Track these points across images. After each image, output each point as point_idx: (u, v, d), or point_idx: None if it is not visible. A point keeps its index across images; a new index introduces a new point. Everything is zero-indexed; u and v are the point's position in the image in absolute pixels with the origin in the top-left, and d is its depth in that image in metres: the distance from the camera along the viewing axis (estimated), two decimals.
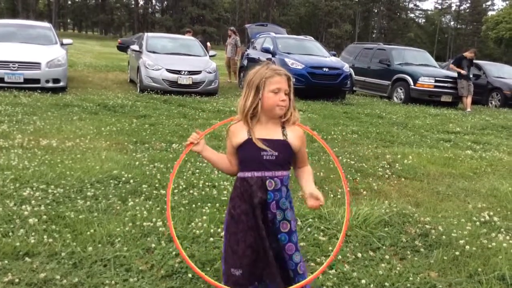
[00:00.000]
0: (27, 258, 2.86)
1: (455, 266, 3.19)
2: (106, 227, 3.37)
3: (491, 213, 4.28)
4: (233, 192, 2.24)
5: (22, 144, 5.57)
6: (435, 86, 13.82)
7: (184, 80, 11.58)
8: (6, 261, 2.81)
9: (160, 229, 3.39)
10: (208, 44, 16.95)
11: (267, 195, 2.15)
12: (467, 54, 13.95)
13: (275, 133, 2.16)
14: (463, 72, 13.55)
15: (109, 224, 3.43)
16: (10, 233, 3.19)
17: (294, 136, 2.18)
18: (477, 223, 4.02)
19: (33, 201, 3.77)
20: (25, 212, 3.52)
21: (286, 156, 2.18)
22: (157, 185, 4.41)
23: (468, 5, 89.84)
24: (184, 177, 4.70)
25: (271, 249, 2.17)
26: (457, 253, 3.34)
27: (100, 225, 3.41)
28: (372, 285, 2.81)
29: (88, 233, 3.26)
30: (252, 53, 15.07)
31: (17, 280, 2.62)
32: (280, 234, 2.20)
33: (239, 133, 2.17)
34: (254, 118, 2.16)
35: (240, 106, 2.16)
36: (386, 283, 2.84)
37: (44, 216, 3.48)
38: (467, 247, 3.43)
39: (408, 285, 2.86)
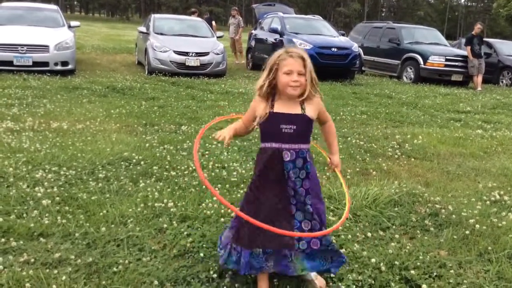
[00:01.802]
0: (41, 239, 2.91)
1: (465, 245, 3.20)
2: (118, 208, 3.41)
3: (502, 192, 4.27)
4: (256, 159, 2.46)
5: (33, 127, 5.62)
6: (446, 65, 13.66)
7: (192, 61, 11.55)
8: (21, 242, 2.86)
9: (172, 209, 3.43)
10: (214, 23, 16.71)
11: (283, 166, 2.31)
12: (475, 31, 13.75)
13: (293, 109, 2.32)
14: (471, 57, 13.34)
15: (121, 205, 3.48)
16: (24, 215, 3.25)
17: (311, 109, 2.35)
18: (487, 202, 4.02)
19: (45, 183, 3.82)
20: (38, 194, 3.57)
21: (304, 129, 2.35)
22: (167, 166, 4.44)
23: None
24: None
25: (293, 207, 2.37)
26: (467, 232, 3.35)
27: (112, 206, 3.45)
28: (382, 264, 2.83)
29: (101, 214, 3.31)
30: (259, 33, 14.95)
31: (32, 260, 2.68)
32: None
33: (259, 106, 2.36)
34: (276, 95, 2.35)
35: (260, 87, 2.34)
36: (396, 262, 2.86)
37: (57, 198, 3.53)
38: (477, 226, 3.43)
39: (418, 263, 2.87)
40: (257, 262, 2.39)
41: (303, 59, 2.27)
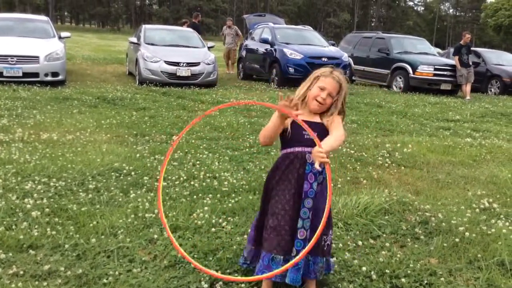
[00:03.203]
0: (31, 251, 2.89)
1: (455, 252, 3.22)
2: (108, 219, 3.40)
3: (491, 200, 4.31)
4: (274, 165, 2.53)
5: (22, 138, 5.58)
6: (435, 75, 13.79)
7: (183, 72, 11.56)
8: (10, 254, 2.84)
9: None
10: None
11: (306, 167, 2.41)
12: (464, 40, 13.92)
13: (314, 117, 2.47)
14: (459, 67, 13.52)
15: (112, 216, 3.46)
16: (14, 226, 3.22)
17: (328, 122, 2.47)
18: (477, 210, 4.05)
19: (35, 195, 3.79)
20: (28, 205, 3.54)
21: (323, 137, 2.38)
22: (158, 177, 4.43)
23: None
24: (185, 169, 4.72)
25: (300, 218, 2.42)
26: (457, 239, 3.37)
27: (102, 217, 3.43)
28: (372, 272, 2.84)
29: (91, 225, 3.29)
30: (250, 43, 15.04)
31: (21, 272, 2.65)
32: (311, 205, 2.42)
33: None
34: (303, 104, 2.48)
35: (298, 90, 2.51)
36: (386, 270, 2.87)
37: (47, 209, 3.51)
38: (467, 233, 3.46)
39: (409, 272, 2.89)
40: (276, 267, 2.41)
41: (340, 85, 2.46)
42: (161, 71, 11.44)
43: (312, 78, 2.49)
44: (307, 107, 2.48)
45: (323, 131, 2.42)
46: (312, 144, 2.33)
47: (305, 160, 2.42)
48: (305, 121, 2.33)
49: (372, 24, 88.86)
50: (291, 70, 12.25)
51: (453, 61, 13.97)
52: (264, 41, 13.64)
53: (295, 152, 2.43)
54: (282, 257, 2.42)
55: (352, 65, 15.73)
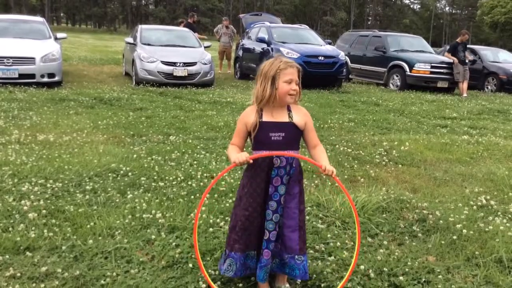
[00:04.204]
0: (28, 253, 2.88)
1: (452, 250, 3.22)
2: (106, 220, 3.39)
3: (488, 197, 4.32)
4: (246, 168, 2.52)
5: (19, 140, 5.56)
6: (431, 72, 13.82)
7: (180, 71, 11.54)
8: (7, 256, 2.82)
9: (160, 220, 3.41)
10: (200, 35, 16.58)
11: (272, 171, 2.42)
12: (460, 38, 13.94)
13: (281, 116, 2.43)
14: (456, 61, 13.54)
15: (109, 217, 3.45)
16: (10, 228, 3.21)
17: (298, 116, 2.45)
18: (474, 207, 4.06)
19: (32, 196, 3.78)
20: (25, 207, 3.53)
21: (293, 136, 2.44)
22: (155, 177, 4.42)
23: None
24: (182, 169, 4.71)
25: (265, 220, 2.47)
26: (454, 237, 3.37)
27: (100, 218, 3.42)
28: (370, 271, 2.84)
29: (88, 226, 3.28)
30: (247, 43, 15.02)
31: (18, 275, 2.64)
32: (279, 207, 2.46)
33: (249, 117, 2.43)
34: (267, 104, 2.42)
35: (258, 95, 2.41)
36: (384, 269, 2.87)
37: (44, 211, 3.49)
38: (465, 231, 3.46)
39: (407, 270, 2.89)
40: (252, 262, 2.53)
41: (299, 70, 2.43)
42: (158, 71, 11.42)
43: (270, 77, 2.36)
44: (271, 106, 2.41)
45: (292, 130, 2.43)
46: (278, 146, 2.39)
47: (272, 164, 2.42)
48: (274, 122, 2.39)
49: (369, 23, 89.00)
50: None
51: (450, 59, 13.96)
52: (261, 40, 13.63)
53: (262, 155, 2.40)
54: (254, 251, 2.53)
55: (349, 63, 15.75)
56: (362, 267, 2.87)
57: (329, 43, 14.56)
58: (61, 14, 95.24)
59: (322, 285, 2.69)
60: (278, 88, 2.37)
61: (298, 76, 2.41)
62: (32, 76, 10.03)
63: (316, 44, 13.81)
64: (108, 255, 2.91)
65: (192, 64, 11.73)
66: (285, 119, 2.42)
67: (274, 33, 13.77)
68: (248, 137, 2.48)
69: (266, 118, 2.41)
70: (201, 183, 4.31)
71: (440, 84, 13.92)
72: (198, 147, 5.67)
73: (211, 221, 3.45)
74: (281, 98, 2.39)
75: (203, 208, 3.66)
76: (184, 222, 3.40)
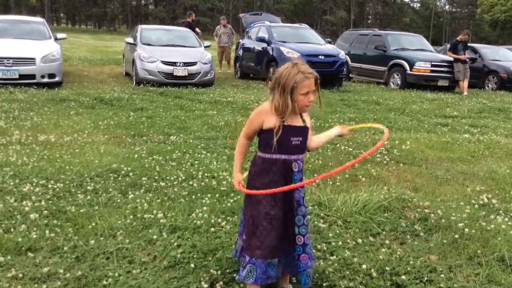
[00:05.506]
0: (29, 253, 2.88)
1: (454, 249, 3.22)
2: (107, 220, 3.39)
3: (490, 196, 4.31)
4: (257, 168, 2.47)
5: (20, 140, 5.56)
6: (432, 71, 13.80)
7: (180, 71, 11.54)
8: (9, 257, 2.82)
9: (161, 220, 3.41)
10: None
11: (293, 176, 2.43)
12: (461, 37, 13.92)
13: (297, 121, 2.44)
14: (462, 57, 13.53)
15: (110, 217, 3.45)
16: (12, 229, 3.21)
17: (307, 119, 2.50)
18: (476, 206, 4.05)
19: (33, 197, 3.77)
20: (26, 208, 3.53)
21: (306, 139, 2.49)
22: (156, 177, 4.42)
23: None
24: (183, 169, 4.71)
25: (291, 225, 2.48)
26: (456, 236, 3.37)
27: (101, 219, 3.42)
28: (373, 270, 2.83)
29: (90, 226, 3.28)
30: (247, 42, 15.01)
31: (20, 275, 2.64)
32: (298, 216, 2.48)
33: (270, 116, 2.38)
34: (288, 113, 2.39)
35: (279, 108, 2.33)
36: (387, 268, 2.87)
37: (45, 211, 3.49)
38: (466, 230, 3.45)
39: (409, 269, 2.88)
40: (273, 271, 2.49)
41: (316, 78, 2.38)
42: (158, 71, 11.41)
43: (289, 91, 2.31)
44: (291, 113, 2.38)
45: (306, 134, 2.48)
46: (298, 150, 2.43)
47: (291, 169, 2.43)
48: (294, 126, 2.40)
49: (369, 22, 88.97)
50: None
51: (451, 57, 13.96)
52: (261, 39, 13.62)
53: (281, 160, 2.41)
54: (276, 259, 2.49)
55: (349, 62, 15.73)
56: (364, 266, 2.87)
57: (329, 42, 14.55)
58: (61, 15, 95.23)
59: (324, 284, 2.69)
60: (297, 101, 2.35)
61: (315, 83, 2.39)
62: (33, 76, 10.03)
63: (316, 43, 13.80)
64: (110, 256, 2.91)
65: (192, 64, 11.72)
66: (300, 123, 2.45)
67: (274, 33, 13.76)
68: (258, 134, 2.46)
69: (288, 122, 2.40)
70: (202, 183, 4.30)
71: (440, 83, 13.91)
72: (199, 147, 5.67)
73: (212, 221, 3.45)
74: (300, 109, 2.41)
75: (204, 208, 3.66)
76: (185, 222, 3.40)
